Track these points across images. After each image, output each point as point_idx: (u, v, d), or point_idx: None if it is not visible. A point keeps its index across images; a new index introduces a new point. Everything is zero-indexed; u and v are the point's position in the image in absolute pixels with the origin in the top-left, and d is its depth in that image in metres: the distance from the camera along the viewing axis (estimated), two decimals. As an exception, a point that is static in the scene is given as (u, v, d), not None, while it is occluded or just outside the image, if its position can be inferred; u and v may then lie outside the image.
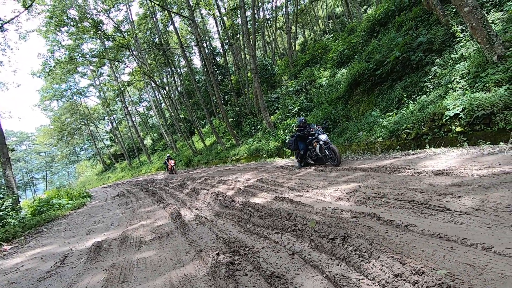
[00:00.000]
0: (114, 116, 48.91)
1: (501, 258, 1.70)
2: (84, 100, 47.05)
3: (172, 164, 19.72)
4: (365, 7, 33.87)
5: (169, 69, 30.41)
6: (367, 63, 11.07)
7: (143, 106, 55.55)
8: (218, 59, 34.77)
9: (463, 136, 5.78)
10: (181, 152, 30.67)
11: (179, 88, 34.87)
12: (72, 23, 21.70)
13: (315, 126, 7.99)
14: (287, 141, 9.24)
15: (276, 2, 32.11)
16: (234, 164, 16.70)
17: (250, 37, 16.99)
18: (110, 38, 24.23)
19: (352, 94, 12.03)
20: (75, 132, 45.92)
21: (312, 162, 8.10)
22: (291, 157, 12.40)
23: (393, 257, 1.78)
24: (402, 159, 5.89)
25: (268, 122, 16.01)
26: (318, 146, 7.45)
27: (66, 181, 63.25)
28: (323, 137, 7.25)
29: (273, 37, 34.11)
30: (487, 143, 5.19)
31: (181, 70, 42.02)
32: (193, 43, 38.20)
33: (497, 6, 7.87)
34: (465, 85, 6.62)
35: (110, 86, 38.88)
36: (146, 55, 32.59)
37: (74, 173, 66.83)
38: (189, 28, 36.29)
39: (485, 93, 5.76)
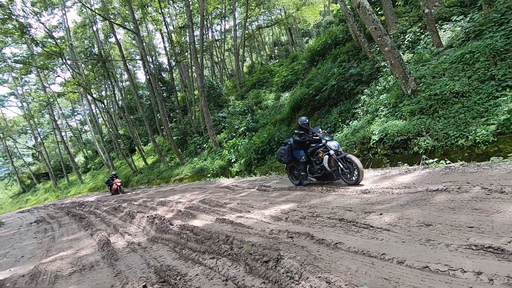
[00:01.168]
0: (39, 130, 43.18)
1: (412, 271, 1.88)
2: (0, 110, 40.75)
3: (119, 184, 17.05)
4: (307, 38, 37.01)
5: (109, 82, 28.43)
6: (307, 89, 11.92)
7: (76, 120, 50.41)
8: (164, 75, 33.82)
9: (387, 158, 6.50)
10: (119, 171, 28.28)
11: (119, 103, 32.69)
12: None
13: (320, 130, 6.11)
14: (278, 151, 6.80)
15: (225, 25, 33.07)
16: (177, 183, 15.98)
17: (198, 56, 17.03)
18: (40, 44, 21.82)
19: (294, 116, 12.74)
20: (-14, 147, 39.10)
21: (314, 180, 6.21)
22: (236, 176, 12.38)
23: (320, 276, 1.84)
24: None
25: (214, 141, 15.88)
26: (326, 157, 5.48)
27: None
28: (334, 144, 5.49)
29: (222, 57, 34.77)
30: (405, 164, 5.91)
31: (123, 83, 39.68)
32: (137, 57, 36.68)
33: (410, 49, 9.33)
34: (387, 113, 7.54)
35: (36, 96, 34.52)
36: (83, 65, 30.07)
37: (-19, 196, 56.05)
38: (133, 42, 34.85)
39: (402, 121, 6.63)
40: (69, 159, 36.79)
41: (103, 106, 29.14)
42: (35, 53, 28.50)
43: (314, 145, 5.92)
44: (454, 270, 1.79)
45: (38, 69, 30.34)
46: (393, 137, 6.35)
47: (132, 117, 32.03)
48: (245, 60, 37.63)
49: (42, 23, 25.48)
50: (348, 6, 11.25)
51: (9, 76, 36.32)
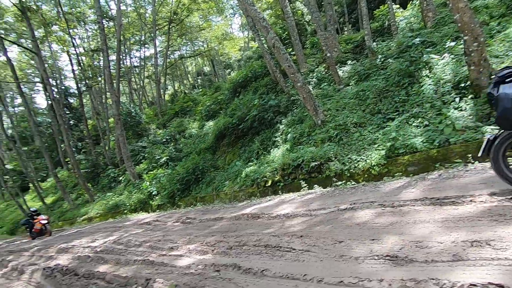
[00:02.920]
0: None
1: (329, 287, 2.04)
2: None
3: (43, 222, 12.42)
4: (229, 70, 38.79)
5: (-4, 107, 23.64)
6: (231, 118, 12.30)
7: None
8: (71, 101, 30.03)
9: (305, 182, 7.07)
10: (4, 215, 22.86)
11: (9, 131, 27.25)
12: None
13: None
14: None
15: (145, 52, 32.08)
16: (85, 224, 13.80)
17: (114, 81, 15.87)
18: None
19: (219, 145, 12.84)
20: None
21: None
22: (157, 210, 11.48)
23: (248, 308, 1.81)
24: (261, 205, 6.52)
25: (132, 173, 14.58)
26: None
27: None
28: None
29: (142, 84, 33.22)
30: (319, 187, 6.53)
31: (15, 109, 33.56)
32: (37, 79, 31.87)
33: (318, 85, 10.75)
34: (303, 141, 8.34)
35: None
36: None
37: None
38: (32, 62, 30.30)
39: (315, 148, 7.42)
40: None
41: (-15, 136, 23.78)
42: None
43: None
44: (363, 280, 2.01)
45: None
46: (308, 162, 7.00)
47: (25, 148, 26.97)
48: (167, 88, 36.81)
49: None
50: (265, 45, 12.43)
51: None
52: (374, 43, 10.50)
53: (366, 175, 5.97)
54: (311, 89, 9.08)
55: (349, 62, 10.66)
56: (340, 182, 6.09)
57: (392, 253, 2.30)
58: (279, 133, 9.91)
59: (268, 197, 7.47)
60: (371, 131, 6.73)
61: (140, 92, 33.07)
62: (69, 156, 17.96)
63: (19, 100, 33.93)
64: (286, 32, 14.77)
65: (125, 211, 12.66)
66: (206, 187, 10.43)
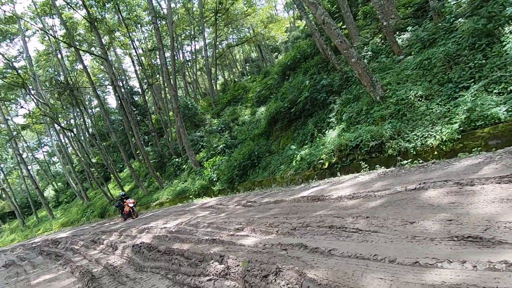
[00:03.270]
0: (2, 166, 40.26)
1: (404, 268, 1.98)
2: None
3: (131, 205, 13.57)
4: (276, 53, 38.25)
5: (78, 110, 27.41)
6: (282, 102, 12.25)
7: (43, 152, 47.64)
8: (136, 99, 33.23)
9: (364, 162, 6.77)
10: (94, 201, 26.86)
11: (90, 130, 31.50)
12: None
13: None
14: None
15: (195, 46, 33.45)
16: (157, 209, 15.45)
17: (171, 77, 17.02)
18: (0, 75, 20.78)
19: (272, 130, 12.97)
20: None
21: None
22: (218, 195, 12.24)
23: (320, 284, 1.88)
24: (320, 188, 6.48)
25: (194, 161, 15.69)
26: None
27: None
28: None
29: (194, 77, 34.91)
30: (381, 167, 6.20)
31: (93, 110, 38.41)
32: (107, 82, 35.86)
33: (374, 58, 9.96)
34: (360, 120, 7.92)
35: (-3, 131, 32.43)
36: (49, 95, 28.85)
37: None
38: (102, 67, 34.13)
39: (375, 126, 7.00)
40: (37, 194, 34.39)
41: (73, 135, 27.92)
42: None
43: None
44: (442, 261, 1.91)
45: (-1, 102, 28.65)
46: (368, 142, 6.66)
47: (104, 144, 30.90)
48: (217, 79, 38.07)
49: (1, 53, 24.37)
50: (313, 22, 11.89)
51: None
52: (440, 3, 9.21)
53: (436, 152, 5.45)
54: (366, 64, 8.48)
55: (409, 28, 9.57)
56: (405, 161, 5.69)
57: (475, 234, 2.11)
58: (333, 114, 9.55)
59: (326, 179, 7.37)
60: (440, 103, 6.04)
61: (194, 85, 34.86)
62: (139, 149, 20.07)
63: (95, 102, 38.80)
64: (335, 5, 13.86)
65: (190, 196, 13.79)
66: (263, 172, 10.71)
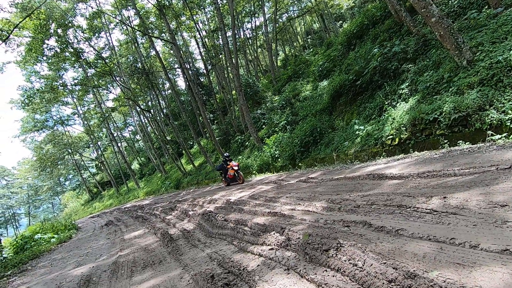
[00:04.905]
0: (99, 143, 48.01)
1: (488, 255, 1.74)
2: (67, 129, 46.09)
3: (236, 169, 11.91)
4: (340, 21, 35.42)
5: (153, 92, 30.42)
6: (347, 74, 11.45)
7: (128, 131, 54.86)
8: (202, 79, 35.15)
9: (444, 138, 5.98)
10: (170, 174, 30.20)
11: (164, 111, 34.82)
12: (51, 53, 21.63)
13: None
14: None
15: (255, 22, 33.16)
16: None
17: (232, 56, 17.37)
18: (92, 66, 24.19)
19: (335, 105, 12.34)
20: (58, 163, 44.51)
21: None
22: (280, 171, 12.42)
23: (385, 263, 1.79)
24: (388, 165, 6.01)
25: (256, 138, 16.11)
26: None
27: (51, 214, 60.54)
28: None
29: (255, 55, 34.96)
30: (466, 143, 5.39)
31: (166, 92, 42.13)
32: (176, 66, 38.60)
33: (461, 15, 8.41)
34: (440, 90, 6.93)
35: (94, 113, 38.42)
36: (130, 80, 32.64)
37: (59, 204, 64.23)
38: (171, 51, 36.74)
39: (459, 96, 6.04)
40: (126, 167, 40.35)
41: (150, 116, 31.35)
42: (89, 75, 31.68)
43: None
44: (541, 252, 1.61)
45: (94, 89, 33.66)
46: (449, 115, 5.83)
47: (176, 122, 33.91)
48: (278, 54, 37.37)
49: (92, 46, 28.22)
50: (384, -19, 10.51)
51: (70, 98, 40.87)
52: None
53: (543, 125, 4.47)
54: (451, 23, 7.22)
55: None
56: (498, 136, 4.83)
57: None
58: (407, 84, 8.52)
59: (396, 156, 6.78)
60: (553, 63, 4.84)
61: (255, 62, 34.98)
62: (206, 127, 21.45)
63: (167, 85, 42.43)
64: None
65: (253, 172, 14.35)
66: (325, 149, 10.41)
